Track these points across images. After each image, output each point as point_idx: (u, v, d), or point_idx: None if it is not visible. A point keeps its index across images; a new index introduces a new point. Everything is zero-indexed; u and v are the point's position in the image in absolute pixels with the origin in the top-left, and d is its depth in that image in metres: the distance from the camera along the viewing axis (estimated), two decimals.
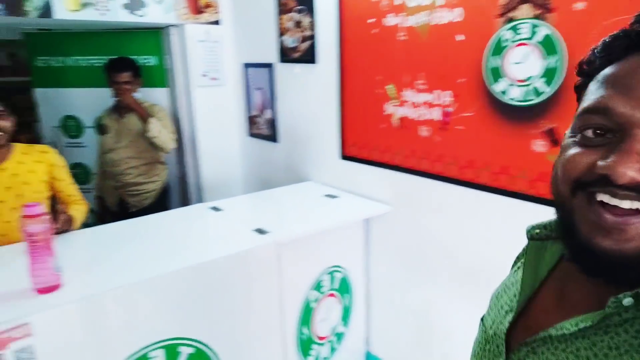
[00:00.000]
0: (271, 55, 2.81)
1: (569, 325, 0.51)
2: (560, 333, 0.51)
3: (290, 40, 2.66)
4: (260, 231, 1.86)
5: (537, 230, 0.63)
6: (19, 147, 1.92)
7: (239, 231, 1.92)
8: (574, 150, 0.49)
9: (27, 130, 3.90)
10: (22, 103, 4.69)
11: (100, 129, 2.88)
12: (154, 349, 1.60)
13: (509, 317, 0.60)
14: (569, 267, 0.56)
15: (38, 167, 1.93)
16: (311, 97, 2.58)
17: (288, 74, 2.74)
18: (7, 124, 1.81)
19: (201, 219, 2.11)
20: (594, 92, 0.48)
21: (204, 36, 3.06)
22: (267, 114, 2.98)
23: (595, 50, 0.51)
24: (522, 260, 0.67)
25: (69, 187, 2.04)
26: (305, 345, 2.05)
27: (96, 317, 1.51)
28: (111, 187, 2.89)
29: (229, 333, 1.79)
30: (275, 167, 3.01)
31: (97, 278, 1.54)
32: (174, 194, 3.23)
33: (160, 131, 2.73)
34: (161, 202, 2.96)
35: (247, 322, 1.84)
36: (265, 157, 3.10)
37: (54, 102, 3.17)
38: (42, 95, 3.19)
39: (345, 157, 2.37)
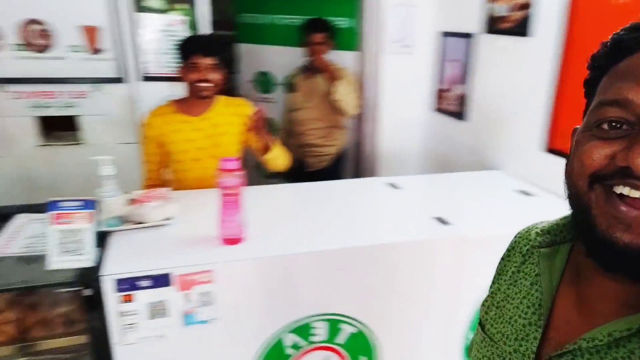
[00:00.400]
0: (474, 24, 2.52)
1: (600, 336, 0.48)
2: (592, 344, 0.49)
3: (500, 8, 2.33)
4: (442, 221, 1.69)
5: (543, 237, 0.61)
6: (221, 99, 2.04)
7: (418, 216, 1.78)
8: (590, 143, 0.47)
9: (225, 82, 4.27)
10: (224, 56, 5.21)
11: (290, 87, 2.96)
12: (317, 320, 1.59)
13: (536, 334, 0.56)
14: (581, 268, 0.55)
15: (235, 119, 2.03)
16: (516, 76, 2.25)
17: (491, 47, 2.43)
18: (216, 76, 1.91)
19: (378, 195, 2.01)
20: (610, 85, 0.48)
21: (401, 0, 2.89)
22: (458, 89, 2.72)
23: (608, 44, 0.50)
24: (514, 267, 0.65)
25: None
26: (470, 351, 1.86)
27: (270, 277, 1.53)
28: (293, 146, 2.97)
29: (394, 322, 1.69)
30: (459, 148, 2.76)
31: (275, 239, 1.55)
32: (348, 160, 3.22)
33: (345, 95, 2.69)
34: (336, 167, 2.97)
35: (414, 315, 1.72)
36: (449, 135, 2.86)
37: (252, 57, 3.36)
38: (243, 50, 3.40)
39: (551, 150, 2.02)
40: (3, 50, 2.21)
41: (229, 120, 2.02)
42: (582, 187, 0.48)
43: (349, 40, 3.08)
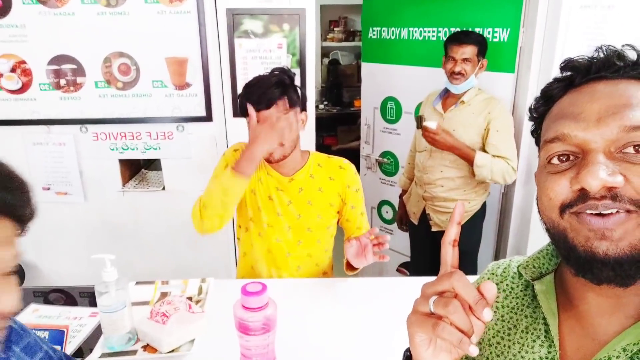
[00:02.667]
0: None
1: (616, 353, 0.51)
2: None
3: None
4: None
5: (529, 271, 0.64)
6: (315, 157, 1.54)
7: None
8: (549, 179, 0.54)
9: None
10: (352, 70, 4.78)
11: (417, 120, 2.28)
12: None
13: None
14: (571, 293, 0.58)
15: (329, 185, 1.51)
16: None
17: None
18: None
19: None
20: (549, 127, 0.56)
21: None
22: None
23: (540, 97, 0.60)
24: (497, 303, 0.66)
25: (359, 217, 1.56)
26: None
27: None
28: (417, 195, 2.33)
29: None
30: None
31: None
32: (491, 216, 2.43)
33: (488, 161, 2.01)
34: (472, 228, 2.23)
35: None
36: None
37: (378, 80, 2.76)
38: (367, 71, 2.82)
39: None
40: (84, 88, 2.02)
41: (321, 184, 1.51)
42: (555, 218, 0.53)
43: (506, 58, 2.29)
